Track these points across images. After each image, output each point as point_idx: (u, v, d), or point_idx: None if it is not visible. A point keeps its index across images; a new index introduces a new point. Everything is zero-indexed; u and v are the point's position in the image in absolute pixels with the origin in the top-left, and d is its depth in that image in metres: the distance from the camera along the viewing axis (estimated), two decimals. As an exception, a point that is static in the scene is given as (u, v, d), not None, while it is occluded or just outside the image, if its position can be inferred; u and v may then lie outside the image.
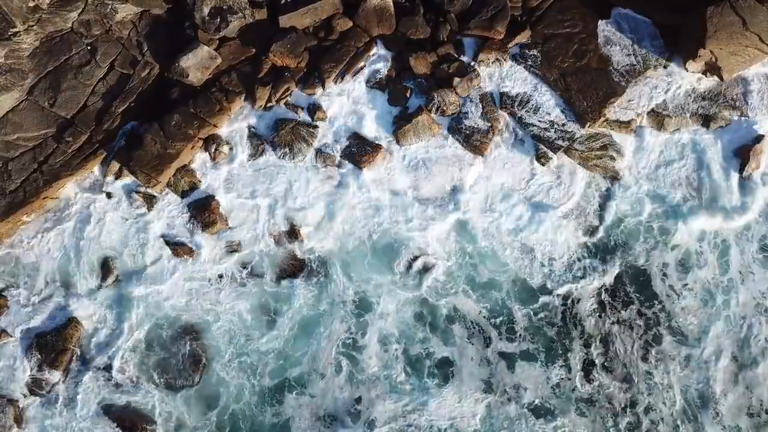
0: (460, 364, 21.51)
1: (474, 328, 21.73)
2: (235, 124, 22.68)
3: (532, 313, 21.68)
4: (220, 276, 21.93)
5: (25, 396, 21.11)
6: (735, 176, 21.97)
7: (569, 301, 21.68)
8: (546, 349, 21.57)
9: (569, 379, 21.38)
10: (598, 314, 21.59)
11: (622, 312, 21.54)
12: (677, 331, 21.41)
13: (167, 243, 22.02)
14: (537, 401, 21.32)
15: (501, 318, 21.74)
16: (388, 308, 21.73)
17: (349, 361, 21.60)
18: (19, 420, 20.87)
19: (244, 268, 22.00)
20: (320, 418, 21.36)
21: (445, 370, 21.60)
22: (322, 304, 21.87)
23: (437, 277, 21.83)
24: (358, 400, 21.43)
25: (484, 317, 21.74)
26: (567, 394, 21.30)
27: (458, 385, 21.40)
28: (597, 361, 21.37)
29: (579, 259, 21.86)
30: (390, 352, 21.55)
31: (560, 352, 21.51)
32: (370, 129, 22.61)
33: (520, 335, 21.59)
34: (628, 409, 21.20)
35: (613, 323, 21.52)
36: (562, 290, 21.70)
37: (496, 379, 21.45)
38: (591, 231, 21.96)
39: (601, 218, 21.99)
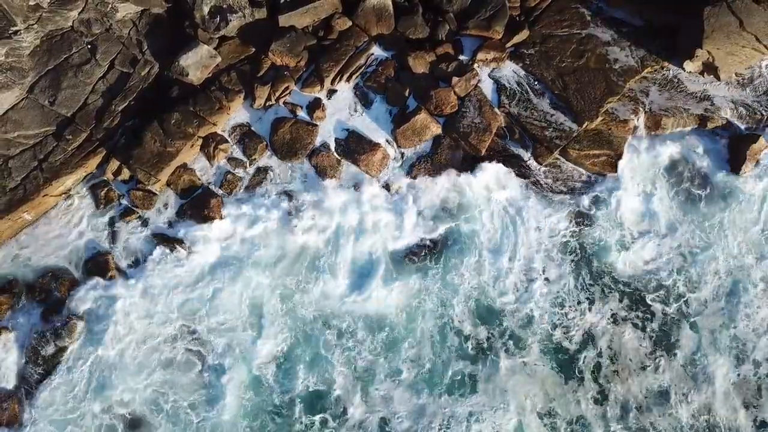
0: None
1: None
2: (235, 122, 22.77)
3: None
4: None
5: (25, 392, 21.18)
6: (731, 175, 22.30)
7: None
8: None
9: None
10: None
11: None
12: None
13: (165, 240, 22.04)
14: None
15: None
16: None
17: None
18: (17, 418, 20.92)
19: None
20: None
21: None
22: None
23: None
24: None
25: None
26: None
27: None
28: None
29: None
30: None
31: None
32: (369, 128, 22.69)
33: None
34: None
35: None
36: None
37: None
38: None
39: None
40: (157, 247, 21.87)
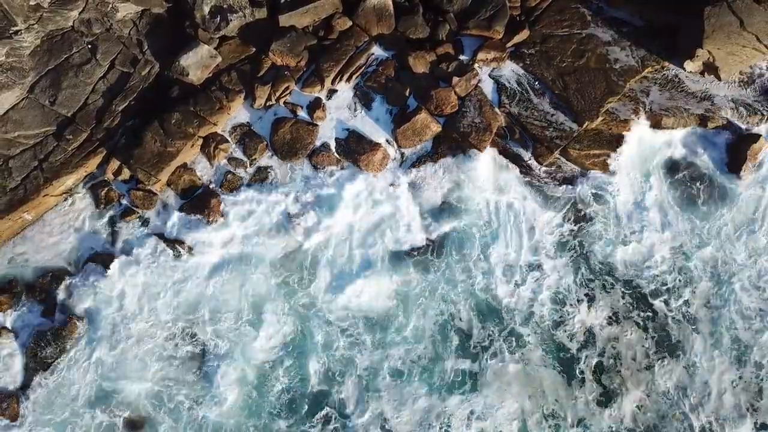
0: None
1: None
2: (235, 122, 22.76)
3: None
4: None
5: (25, 392, 21.18)
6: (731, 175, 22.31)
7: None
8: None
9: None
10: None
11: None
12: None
13: (165, 240, 22.05)
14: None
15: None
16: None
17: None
18: (17, 418, 20.92)
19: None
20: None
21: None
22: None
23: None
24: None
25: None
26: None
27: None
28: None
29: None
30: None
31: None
32: (369, 128, 22.69)
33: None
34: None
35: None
36: None
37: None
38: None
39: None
40: (151, 238, 21.87)
